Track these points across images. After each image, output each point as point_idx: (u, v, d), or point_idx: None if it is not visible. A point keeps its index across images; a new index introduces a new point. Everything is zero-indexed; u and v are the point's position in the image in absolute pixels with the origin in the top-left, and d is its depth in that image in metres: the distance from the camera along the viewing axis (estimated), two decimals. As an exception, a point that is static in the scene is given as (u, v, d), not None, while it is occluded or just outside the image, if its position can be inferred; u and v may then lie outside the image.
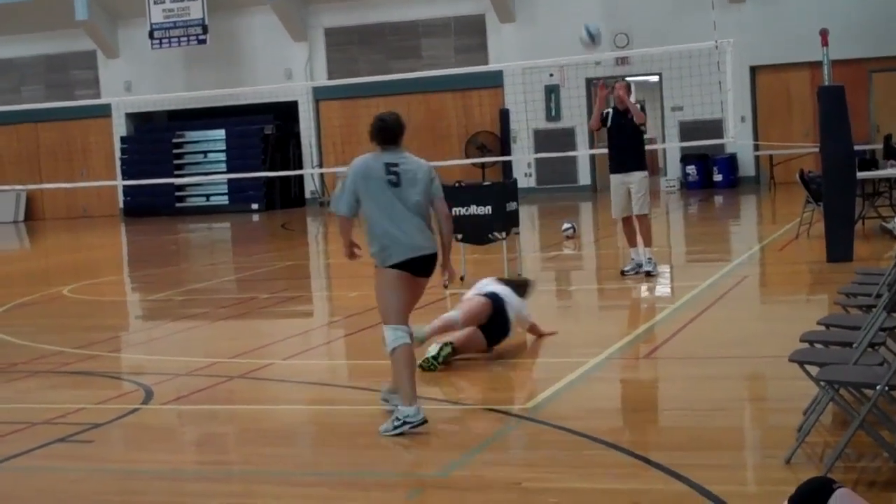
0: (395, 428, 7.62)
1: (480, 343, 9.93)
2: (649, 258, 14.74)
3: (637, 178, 14.62)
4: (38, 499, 6.93)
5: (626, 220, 14.89)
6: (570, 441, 7.34)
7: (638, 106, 14.93)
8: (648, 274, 14.62)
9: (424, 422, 7.69)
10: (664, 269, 15.92)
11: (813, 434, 6.74)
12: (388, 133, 8.05)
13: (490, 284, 10.37)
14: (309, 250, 24.65)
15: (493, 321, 9.98)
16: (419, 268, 7.93)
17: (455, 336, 9.77)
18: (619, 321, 12.61)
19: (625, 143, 14.65)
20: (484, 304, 9.97)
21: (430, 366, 9.43)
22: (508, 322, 10.11)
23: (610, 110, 14.95)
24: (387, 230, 7.84)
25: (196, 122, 37.09)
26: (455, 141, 34.62)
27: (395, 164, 7.96)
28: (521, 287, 10.65)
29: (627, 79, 28.96)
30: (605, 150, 15.26)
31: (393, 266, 7.87)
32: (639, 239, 14.83)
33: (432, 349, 9.57)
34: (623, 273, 14.87)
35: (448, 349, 9.54)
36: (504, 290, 10.26)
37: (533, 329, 10.77)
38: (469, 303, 10.07)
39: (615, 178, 14.84)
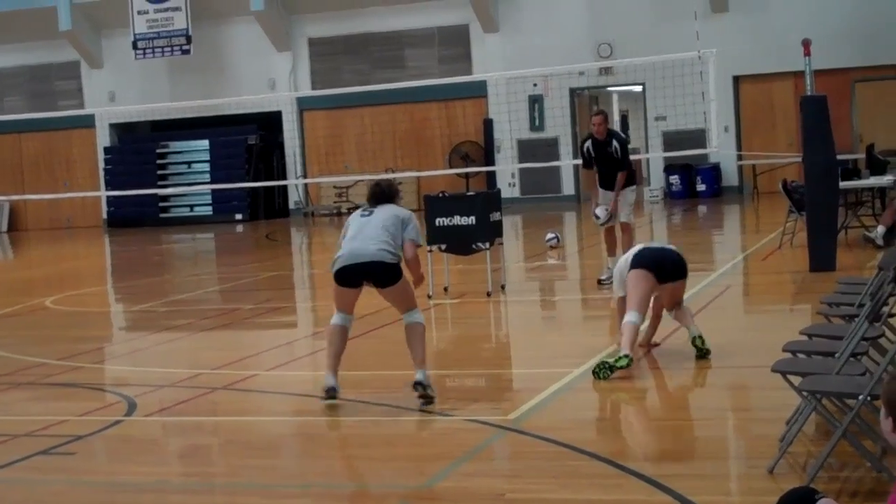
0: None
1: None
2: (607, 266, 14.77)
3: (623, 192, 14.75)
4: (21, 512, 6.91)
5: (609, 230, 14.95)
6: (554, 452, 7.34)
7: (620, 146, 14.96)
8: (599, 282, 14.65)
9: (328, 392, 8.77)
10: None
11: (796, 444, 6.76)
12: (381, 196, 9.18)
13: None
14: (293, 261, 24.63)
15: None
16: (357, 276, 8.83)
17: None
18: (603, 331, 12.61)
19: (610, 171, 14.79)
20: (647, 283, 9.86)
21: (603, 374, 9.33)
22: None
23: (589, 142, 15.01)
24: (345, 244, 8.90)
25: (180, 133, 37.03)
26: (439, 151, 34.63)
27: (375, 208, 9.10)
28: None
29: (609, 88, 28.95)
30: None
31: (334, 276, 8.87)
32: (619, 249, 14.87)
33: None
34: (600, 282, 14.92)
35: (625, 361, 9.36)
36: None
37: None
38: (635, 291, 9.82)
39: (602, 192, 14.97)
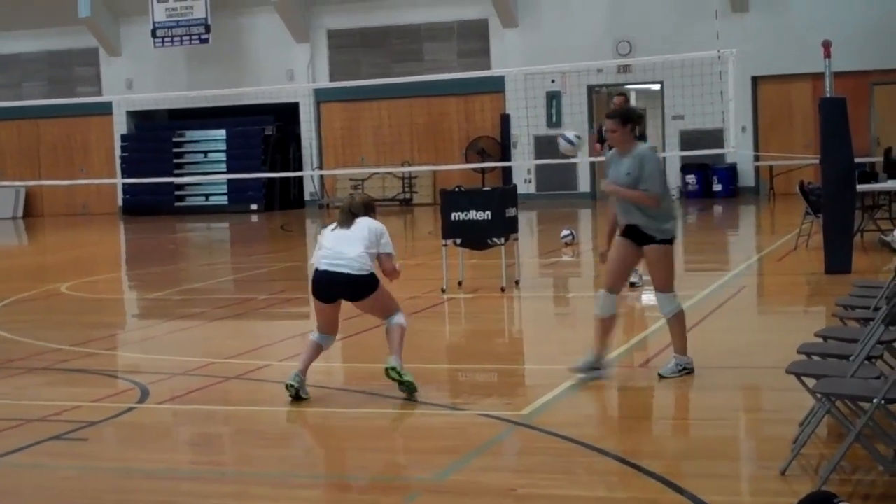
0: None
1: None
2: (635, 269, 14.68)
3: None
4: (32, 496, 6.92)
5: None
6: (566, 448, 7.33)
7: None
8: (632, 285, 14.58)
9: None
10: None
11: (809, 446, 6.74)
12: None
13: None
14: (307, 252, 24.61)
15: None
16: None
17: None
18: (616, 329, 12.59)
19: None
20: None
21: None
22: None
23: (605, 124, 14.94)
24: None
25: (197, 122, 37.11)
26: (456, 145, 34.64)
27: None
28: None
29: (627, 86, 29.00)
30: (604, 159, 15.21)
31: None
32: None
33: None
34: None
35: None
36: None
37: None
38: None
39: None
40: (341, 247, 8.79)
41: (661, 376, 9.12)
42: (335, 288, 8.82)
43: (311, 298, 9.03)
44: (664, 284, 9.22)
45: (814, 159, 23.53)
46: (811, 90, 30.53)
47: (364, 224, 8.94)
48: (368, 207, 9.17)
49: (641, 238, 9.14)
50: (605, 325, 9.33)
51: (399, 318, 8.99)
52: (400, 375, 8.75)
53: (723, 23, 27.70)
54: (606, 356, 9.39)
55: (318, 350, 9.08)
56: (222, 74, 34.92)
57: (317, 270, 8.87)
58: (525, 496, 6.45)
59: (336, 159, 35.70)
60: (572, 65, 29.16)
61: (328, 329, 9.05)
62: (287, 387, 8.78)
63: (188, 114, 37.02)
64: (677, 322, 9.29)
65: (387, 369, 8.78)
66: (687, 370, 9.18)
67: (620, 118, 9.27)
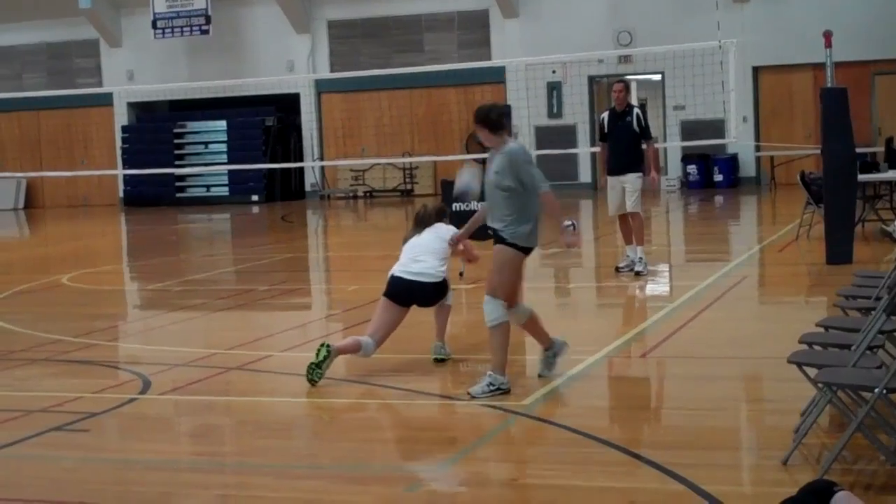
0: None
1: None
2: (640, 258, 14.73)
3: (631, 179, 14.63)
4: (34, 487, 6.93)
5: (622, 218, 14.92)
6: (567, 438, 7.34)
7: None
8: (637, 274, 14.60)
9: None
10: (663, 268, 15.93)
11: (810, 436, 6.74)
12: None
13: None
14: (308, 243, 24.65)
15: None
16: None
17: None
18: (617, 319, 12.61)
19: (622, 146, 14.66)
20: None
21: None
22: None
23: (606, 114, 14.95)
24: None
25: (198, 113, 37.06)
26: (456, 136, 34.58)
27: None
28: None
29: (628, 77, 28.97)
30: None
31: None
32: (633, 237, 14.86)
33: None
34: (618, 269, 14.92)
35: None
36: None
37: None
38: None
39: (611, 179, 14.90)
40: (419, 257, 9.58)
41: (470, 395, 8.39)
42: (414, 295, 9.53)
43: (382, 301, 9.50)
44: (497, 288, 8.74)
45: (815, 149, 23.54)
46: (812, 80, 30.52)
47: (436, 234, 9.75)
48: (440, 214, 10.06)
49: (501, 241, 8.83)
50: (530, 326, 9.26)
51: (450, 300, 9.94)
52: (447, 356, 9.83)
53: (723, 13, 27.71)
54: (551, 340, 9.24)
55: (356, 349, 9.33)
56: (223, 65, 34.92)
57: (395, 276, 9.52)
58: (527, 486, 6.45)
59: (337, 150, 35.68)
60: (573, 55, 29.10)
61: (382, 333, 9.42)
62: (321, 346, 9.06)
63: (189, 105, 36.98)
64: (500, 334, 8.72)
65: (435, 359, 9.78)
66: (501, 391, 8.43)
67: (478, 122, 8.87)
